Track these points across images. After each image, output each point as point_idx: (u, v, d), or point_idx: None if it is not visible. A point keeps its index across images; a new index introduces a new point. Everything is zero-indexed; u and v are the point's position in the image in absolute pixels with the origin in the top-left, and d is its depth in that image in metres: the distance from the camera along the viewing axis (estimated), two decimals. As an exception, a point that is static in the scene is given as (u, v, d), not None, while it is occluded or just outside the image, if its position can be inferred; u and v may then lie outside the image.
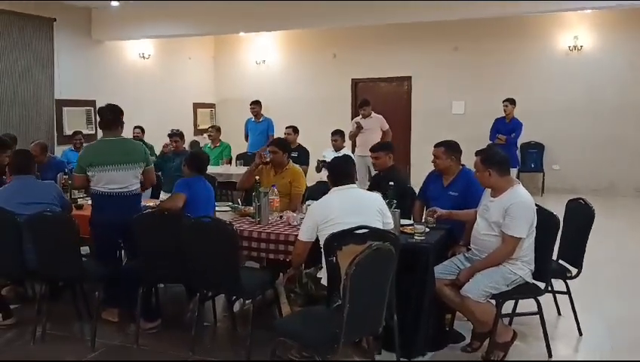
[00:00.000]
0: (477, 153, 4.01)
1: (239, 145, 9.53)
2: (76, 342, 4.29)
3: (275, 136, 8.18)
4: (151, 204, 4.78)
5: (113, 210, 4.35)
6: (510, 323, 4.16)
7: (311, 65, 12.14)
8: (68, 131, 9.42)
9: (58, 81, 9.42)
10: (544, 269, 3.88)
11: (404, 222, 4.24)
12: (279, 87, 12.25)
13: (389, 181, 4.48)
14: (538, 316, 3.88)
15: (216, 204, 4.90)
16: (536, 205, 3.86)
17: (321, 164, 7.25)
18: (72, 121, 9.78)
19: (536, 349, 3.99)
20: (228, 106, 12.81)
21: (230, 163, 8.91)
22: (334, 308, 3.31)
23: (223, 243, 3.86)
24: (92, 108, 10.17)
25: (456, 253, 4.17)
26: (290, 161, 5.40)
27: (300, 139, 8.02)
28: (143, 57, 11.30)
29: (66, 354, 4.06)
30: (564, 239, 4.24)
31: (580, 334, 4.26)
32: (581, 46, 10.29)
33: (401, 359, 3.64)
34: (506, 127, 9.49)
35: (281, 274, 4.55)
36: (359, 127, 8.44)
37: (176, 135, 7.46)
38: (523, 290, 3.83)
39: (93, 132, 10.02)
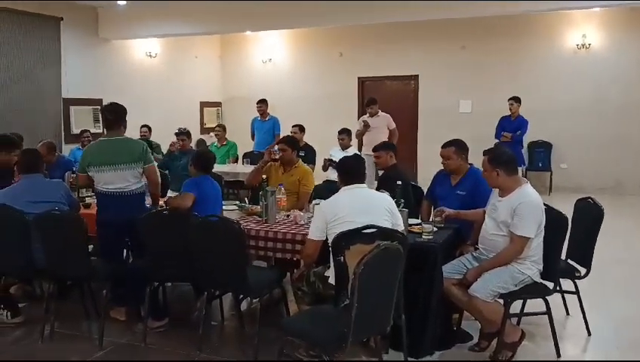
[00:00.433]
0: (485, 153, 4.00)
1: (245, 143, 9.55)
2: (84, 340, 4.30)
3: (281, 135, 8.19)
4: (160, 202, 4.77)
5: (115, 209, 4.36)
6: (518, 322, 4.14)
7: (317, 63, 12.14)
8: (75, 130, 9.45)
9: (65, 80, 9.45)
10: (552, 269, 3.87)
11: (411, 221, 4.23)
12: (286, 86, 12.25)
13: (396, 180, 4.46)
14: (546, 316, 3.86)
15: (223, 202, 4.90)
16: (545, 204, 3.85)
17: (328, 163, 7.25)
18: (80, 120, 9.81)
19: (544, 349, 3.97)
20: (234, 105, 12.82)
21: (236, 161, 8.93)
22: (342, 307, 3.32)
23: (231, 242, 3.86)
24: (99, 107, 10.12)
25: (464, 253, 4.15)
26: (300, 159, 5.40)
27: (307, 138, 8.02)
28: (150, 56, 11.32)
29: (73, 352, 4.07)
30: (572, 239, 4.21)
31: (589, 334, 4.24)
32: (589, 44, 10.24)
33: (409, 358, 3.64)
34: (512, 124, 9.48)
35: (288, 273, 4.55)
36: (366, 126, 8.44)
37: (183, 133, 7.47)
38: (531, 290, 3.82)
39: (101, 130, 10.02)
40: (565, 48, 10.46)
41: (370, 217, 3.56)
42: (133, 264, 4.49)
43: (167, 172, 6.40)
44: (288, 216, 4.59)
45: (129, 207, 4.34)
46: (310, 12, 8.90)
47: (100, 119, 10.02)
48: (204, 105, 12.74)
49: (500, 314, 3.75)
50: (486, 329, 3.92)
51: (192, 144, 7.89)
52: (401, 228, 3.76)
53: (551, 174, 10.44)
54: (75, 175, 5.98)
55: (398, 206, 4.01)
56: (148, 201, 4.72)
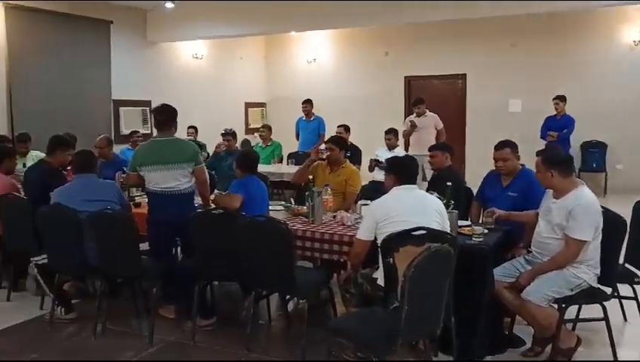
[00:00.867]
0: (538, 153, 3.90)
1: (290, 144, 9.56)
2: (135, 337, 4.36)
3: (326, 135, 8.18)
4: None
5: (166, 209, 4.40)
6: (574, 328, 4.02)
7: (362, 63, 12.07)
8: (125, 131, 9.63)
9: (115, 82, 9.65)
10: (610, 273, 3.74)
11: (461, 223, 4.15)
12: (330, 86, 12.23)
13: (447, 181, 4.39)
14: (603, 322, 3.72)
15: (269, 203, 4.91)
16: (602, 206, 3.72)
17: (374, 163, 7.20)
18: (129, 121, 10.02)
19: (601, 356, 3.84)
20: (279, 105, 12.87)
21: (281, 162, 8.95)
22: (391, 309, 3.29)
23: (278, 243, 3.87)
24: (147, 108, 10.38)
25: (516, 256, 4.05)
26: (347, 160, 5.37)
27: (352, 138, 7.99)
28: (196, 58, 11.47)
29: (125, 348, 4.14)
30: (631, 242, 4.04)
31: (647, 341, 4.09)
32: (647, 40, 9.88)
33: (459, 362, 3.57)
34: (557, 123, 9.22)
35: (335, 274, 4.53)
36: (413, 126, 8.35)
37: (229, 134, 7.55)
38: (588, 295, 3.69)
39: (149, 131, 10.23)
40: (621, 45, 10.11)
41: (422, 218, 3.53)
42: (183, 263, 4.54)
43: (213, 172, 6.47)
44: (335, 217, 4.56)
45: (179, 207, 4.39)
46: (356, 12, 8.84)
47: (151, 120, 10.33)
48: (248, 105, 12.85)
49: (554, 320, 3.64)
50: (539, 335, 3.81)
51: (237, 144, 7.95)
52: (448, 229, 3.70)
53: (606, 175, 10.09)
54: (125, 175, 6.13)
55: (447, 207, 3.95)
56: (197, 201, 4.76)
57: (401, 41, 11.39)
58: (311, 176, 5.07)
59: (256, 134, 10.69)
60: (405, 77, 11.76)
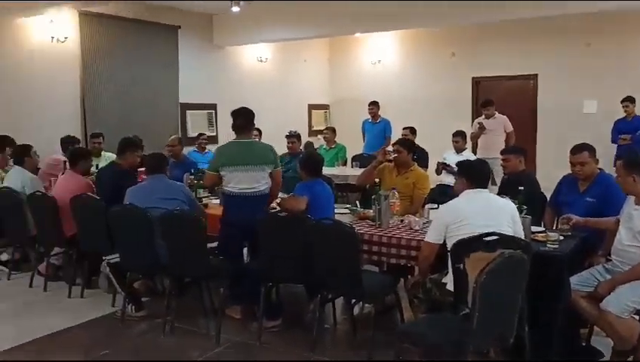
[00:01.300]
0: (619, 157, 3.71)
1: (354, 146, 9.51)
2: (202, 336, 4.42)
3: (392, 138, 8.10)
4: (273, 204, 4.83)
5: (240, 210, 4.44)
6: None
7: (428, 64, 11.87)
8: (192, 133, 9.83)
9: (182, 86, 9.86)
10: (697, 284, 3.51)
11: (535, 228, 4.00)
12: (395, 88, 12.07)
13: (519, 185, 4.25)
14: (689, 335, 3.50)
15: (334, 206, 4.89)
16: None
17: (442, 167, 7.08)
18: (195, 124, 10.20)
19: (686, 372, 3.61)
20: (342, 107, 12.84)
21: (345, 164, 8.92)
22: (461, 315, 3.20)
23: (344, 246, 3.84)
24: (213, 112, 10.58)
25: (594, 264, 3.87)
26: (415, 163, 5.29)
27: (418, 140, 7.84)
28: (261, 61, 11.58)
29: (192, 347, 4.20)
30: None
31: None
32: None
33: (532, 373, 3.44)
34: (629, 125, 8.75)
35: (402, 278, 4.46)
36: (482, 128, 8.15)
37: (293, 136, 7.60)
38: (673, 307, 3.48)
39: (215, 134, 10.42)
40: None
41: (493, 222, 3.44)
42: (250, 263, 4.57)
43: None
44: (402, 220, 4.49)
45: (254, 208, 4.40)
46: (422, 12, 8.70)
47: (215, 123, 10.52)
48: (312, 107, 12.87)
49: (635, 332, 3.46)
50: (619, 347, 3.61)
51: (301, 147, 7.97)
52: (521, 235, 3.59)
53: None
54: (192, 176, 6.26)
55: (520, 212, 3.82)
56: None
57: (469, 41, 11.12)
58: (377, 179, 5.01)
59: (319, 136, 10.70)
60: (473, 78, 11.48)
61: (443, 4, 8.35)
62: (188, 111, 10.14)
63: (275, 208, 4.67)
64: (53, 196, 5.40)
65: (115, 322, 4.67)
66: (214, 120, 10.61)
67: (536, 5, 7.84)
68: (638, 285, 3.45)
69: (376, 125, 9.22)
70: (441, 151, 7.70)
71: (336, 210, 4.85)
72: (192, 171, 6.42)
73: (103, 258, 4.93)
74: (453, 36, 11.20)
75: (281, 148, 7.34)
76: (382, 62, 12.52)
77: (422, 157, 7.45)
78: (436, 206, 4.42)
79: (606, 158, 3.87)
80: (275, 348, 4.17)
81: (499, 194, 4.39)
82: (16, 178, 5.82)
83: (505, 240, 3.27)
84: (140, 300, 4.83)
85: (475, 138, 8.32)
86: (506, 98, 10.48)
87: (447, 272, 3.54)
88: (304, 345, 4.11)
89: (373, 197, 4.60)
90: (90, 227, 5.07)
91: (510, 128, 8.13)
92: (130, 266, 4.69)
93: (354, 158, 8.96)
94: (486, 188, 3.72)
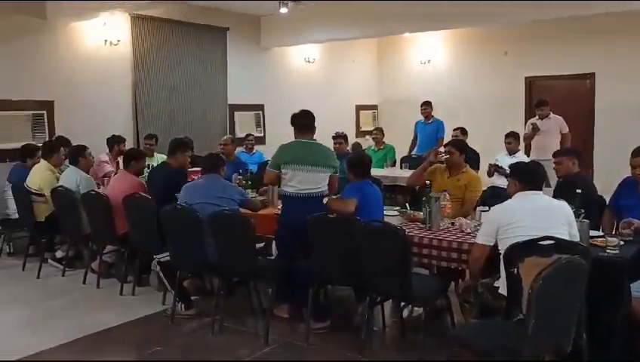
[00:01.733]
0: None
1: (403, 147, 9.41)
2: (250, 336, 4.43)
3: (444, 139, 7.98)
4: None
5: (299, 210, 4.35)
6: None
7: (480, 63, 11.63)
8: (240, 134, 9.91)
9: (230, 87, 9.96)
10: None
11: (593, 233, 3.86)
12: (445, 88, 11.88)
13: (576, 188, 4.10)
14: None
15: (383, 208, 4.83)
16: None
17: (494, 168, 6.92)
18: (243, 125, 10.31)
19: None
20: (391, 108, 12.74)
21: (394, 165, 8.83)
22: (515, 321, 3.10)
23: (394, 249, 3.78)
24: (260, 112, 10.67)
25: (657, 271, 3.69)
26: (467, 164, 5.18)
27: (469, 142, 7.69)
28: (309, 62, 11.60)
29: (240, 347, 4.22)
30: None
31: None
32: None
33: (590, 384, 3.30)
34: None
35: (452, 282, 4.37)
36: (535, 129, 7.92)
37: (340, 137, 7.56)
38: None
39: (262, 134, 10.50)
40: None
41: (548, 225, 3.33)
42: (299, 264, 4.54)
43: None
44: (453, 223, 4.40)
45: (312, 209, 4.33)
46: (472, 11, 8.53)
47: (263, 124, 10.60)
48: (360, 108, 12.82)
49: (703, 343, 3.28)
50: (682, 359, 3.46)
51: (348, 147, 7.92)
52: (576, 238, 3.48)
53: None
54: (241, 177, 6.31)
55: (577, 216, 3.69)
56: None
57: (522, 39, 10.83)
58: (428, 181, 4.93)
59: (367, 137, 10.64)
60: (526, 77, 11.18)
61: (494, 3, 8.16)
62: (236, 112, 10.25)
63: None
64: (106, 195, 5.52)
65: (165, 320, 4.73)
66: (262, 120, 10.69)
67: (593, 3, 7.58)
68: None
69: (428, 126, 9.08)
70: (493, 152, 7.52)
71: (385, 212, 4.79)
72: (241, 171, 6.48)
73: (154, 256, 5.00)
74: (505, 35, 10.93)
75: (328, 149, 7.34)
76: (431, 61, 12.36)
77: (473, 159, 7.31)
78: (487, 208, 4.31)
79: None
80: (322, 349, 4.15)
81: (554, 197, 4.24)
82: (71, 177, 5.97)
83: (562, 245, 3.17)
84: (190, 299, 4.89)
85: (528, 139, 8.10)
86: (561, 98, 10.13)
87: (500, 276, 3.45)
88: (352, 347, 4.08)
89: (423, 199, 4.52)
90: (142, 226, 5.16)
91: (566, 129, 7.88)
92: (179, 265, 4.74)
93: (403, 160, 8.88)
94: (540, 190, 3.60)
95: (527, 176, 3.62)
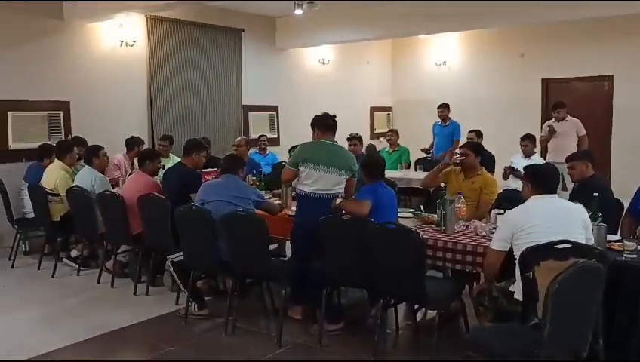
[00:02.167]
0: None
1: (418, 149, 9.36)
2: (263, 337, 4.43)
3: (460, 141, 7.93)
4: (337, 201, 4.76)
5: (314, 211, 4.33)
6: None
7: (496, 65, 11.57)
8: (254, 135, 9.92)
9: (245, 88, 9.98)
10: None
11: (610, 237, 3.81)
12: (461, 90, 11.81)
13: (592, 191, 4.05)
14: None
15: (398, 210, 4.80)
16: None
17: (509, 171, 6.87)
18: (257, 126, 10.32)
19: None
20: (405, 109, 12.70)
21: (409, 167, 8.79)
22: (531, 326, 3.08)
23: (408, 251, 3.76)
24: (275, 113, 10.68)
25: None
26: (483, 167, 5.14)
27: (484, 144, 7.64)
28: (323, 63, 11.59)
29: (255, 347, 4.22)
30: None
31: None
32: None
33: (608, 391, 3.25)
34: None
35: (467, 285, 4.33)
36: (552, 132, 7.85)
37: (355, 138, 7.56)
38: None
39: (276, 135, 10.51)
40: None
41: (563, 229, 3.29)
42: (312, 265, 4.53)
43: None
44: (468, 226, 4.37)
45: (327, 211, 4.34)
46: (488, 12, 8.48)
47: (277, 125, 10.60)
48: (374, 109, 12.79)
49: None
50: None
51: (363, 149, 7.91)
52: (591, 242, 3.44)
53: None
54: (255, 178, 6.32)
55: (594, 220, 3.65)
56: None
57: (538, 41, 10.75)
58: (443, 183, 4.90)
59: (382, 139, 10.61)
60: (543, 79, 11.08)
61: (510, 4, 8.10)
62: (250, 113, 10.27)
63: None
64: (120, 195, 5.55)
65: (178, 320, 4.74)
66: (276, 122, 10.70)
67: (611, 4, 7.49)
68: None
69: (445, 128, 9.02)
70: (509, 155, 7.46)
71: (400, 214, 4.76)
72: (254, 172, 6.49)
73: (167, 257, 5.01)
74: (522, 36, 10.86)
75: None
76: (447, 63, 12.30)
77: (489, 161, 7.25)
78: (503, 211, 4.28)
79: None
80: (336, 351, 4.14)
81: (570, 200, 4.20)
82: (87, 177, 6.01)
83: (579, 249, 3.14)
84: (203, 299, 4.89)
85: (544, 142, 8.02)
86: (578, 100, 10.06)
87: (515, 281, 3.41)
88: (365, 349, 4.05)
89: (438, 201, 4.49)
90: (156, 226, 5.18)
91: (583, 132, 7.79)
92: (193, 265, 4.75)
93: (417, 162, 8.83)
94: (555, 193, 3.55)
95: (541, 180, 3.57)
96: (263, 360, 4.03)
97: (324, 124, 4.67)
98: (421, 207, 5.22)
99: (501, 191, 5.47)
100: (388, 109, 13.14)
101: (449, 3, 8.51)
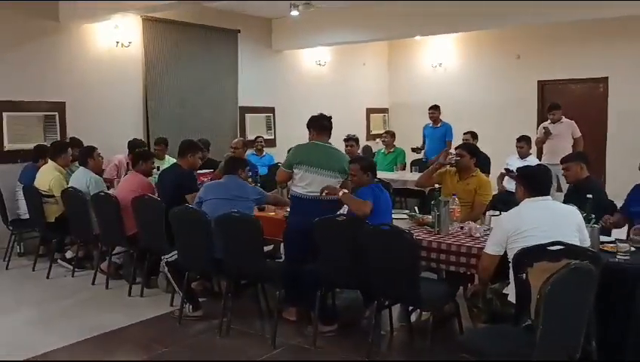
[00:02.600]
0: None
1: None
2: (258, 338, 4.42)
3: (453, 143, 7.94)
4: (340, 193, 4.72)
5: (308, 212, 4.33)
6: None
7: (492, 67, 11.60)
8: (250, 136, 9.90)
9: (241, 89, 9.95)
10: None
11: (604, 239, 3.82)
12: (457, 91, 11.84)
13: (586, 193, 4.06)
14: None
15: (392, 211, 4.80)
16: None
17: (505, 173, 6.87)
18: (254, 127, 10.30)
19: None
20: (401, 111, 12.71)
21: (404, 169, 8.80)
22: (523, 327, 3.08)
23: (403, 252, 3.76)
24: (271, 115, 10.68)
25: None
26: (478, 168, 5.15)
27: (480, 145, 7.66)
28: (319, 64, 11.59)
29: (249, 348, 4.22)
30: None
31: None
32: None
33: (601, 392, 3.26)
34: None
35: (461, 287, 4.34)
36: (547, 133, 7.87)
37: (351, 139, 7.54)
38: None
39: (272, 137, 10.50)
40: None
41: (557, 232, 3.27)
42: (307, 267, 4.53)
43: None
44: (462, 227, 4.37)
45: (322, 213, 4.28)
46: (484, 13, 8.48)
47: (274, 126, 10.59)
48: (370, 111, 12.81)
49: None
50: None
51: (359, 151, 7.91)
52: (587, 244, 3.43)
53: None
54: (250, 178, 6.31)
55: (588, 221, 3.65)
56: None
57: (534, 43, 10.79)
58: (437, 185, 4.90)
59: (378, 140, 10.61)
60: (539, 81, 11.12)
61: (507, 4, 8.12)
62: (247, 115, 10.25)
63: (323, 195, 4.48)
64: (115, 196, 5.54)
65: (172, 321, 4.74)
66: (272, 123, 10.70)
67: (607, 4, 7.52)
68: None
69: (437, 129, 9.03)
70: (505, 156, 7.47)
71: (394, 216, 4.76)
72: (250, 174, 6.47)
73: (162, 257, 5.01)
74: (518, 38, 10.90)
75: (339, 151, 7.33)
76: (443, 65, 12.33)
77: (484, 163, 7.27)
78: (498, 213, 4.28)
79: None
80: (330, 352, 4.14)
81: (565, 202, 4.21)
82: (81, 178, 6.00)
83: (571, 250, 3.13)
84: (197, 300, 4.89)
85: (540, 143, 8.04)
86: (574, 102, 10.11)
87: (509, 283, 3.42)
88: (359, 350, 4.05)
89: (432, 202, 4.49)
90: (150, 227, 5.18)
91: (578, 134, 7.82)
92: (188, 266, 4.75)
93: (413, 163, 8.84)
94: (548, 195, 3.55)
95: (534, 182, 3.57)
96: (258, 361, 4.03)
97: (320, 125, 4.68)
98: (415, 208, 5.23)
99: (496, 192, 5.48)
100: (384, 111, 13.15)
101: (445, 4, 8.52)
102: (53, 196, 6.13)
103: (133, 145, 7.40)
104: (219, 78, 9.63)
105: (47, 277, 5.96)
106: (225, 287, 4.62)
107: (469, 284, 4.23)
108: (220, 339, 4.39)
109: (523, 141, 7.27)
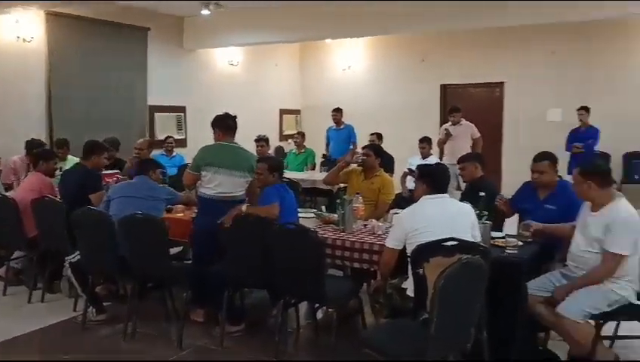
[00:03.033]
0: (577, 164, 3.79)
1: (323, 151, 9.52)
2: (164, 341, 4.37)
3: (358, 143, 8.15)
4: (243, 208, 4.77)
5: (217, 214, 4.32)
6: (611, 345, 3.88)
7: (398, 70, 11.95)
8: (160, 136, 9.71)
9: (150, 88, 9.74)
10: (651, 290, 3.59)
11: (495, 234, 4.06)
12: (365, 93, 12.14)
13: (479, 191, 4.30)
14: (643, 340, 3.60)
15: (300, 210, 4.89)
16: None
17: (407, 172, 7.13)
18: (164, 127, 10.09)
19: (640, 375, 3.70)
20: (313, 112, 12.83)
21: (314, 169, 8.94)
22: (421, 321, 3.22)
23: (308, 251, 3.83)
24: (182, 115, 10.50)
25: (551, 269, 3.93)
26: (382, 168, 5.32)
27: (385, 146, 7.89)
28: (232, 64, 11.53)
29: (155, 351, 4.16)
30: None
31: (690, 361, 3.91)
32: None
33: (491, 378, 3.47)
34: (582, 135, 8.93)
35: (365, 283, 4.48)
36: (448, 135, 8.24)
37: (262, 140, 7.59)
38: (627, 311, 3.56)
39: (183, 137, 10.34)
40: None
41: (452, 229, 3.45)
42: (214, 268, 4.54)
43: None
44: (366, 225, 4.52)
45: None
46: (392, 19, 8.75)
47: (185, 126, 10.43)
48: (283, 112, 12.88)
49: (590, 336, 3.52)
50: (575, 352, 3.67)
51: (271, 151, 7.96)
52: (478, 240, 3.63)
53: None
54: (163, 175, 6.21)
55: (480, 218, 3.87)
56: None
57: (438, 48, 11.24)
58: (343, 184, 5.03)
59: (290, 141, 10.69)
60: (441, 85, 11.61)
61: (413, 11, 8.42)
62: (156, 114, 10.03)
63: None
64: (12, 198, 5.30)
65: (75, 326, 4.60)
66: (183, 123, 10.53)
67: (504, 14, 7.97)
68: (593, 290, 3.52)
69: (340, 131, 9.21)
70: (408, 156, 7.75)
71: (301, 215, 4.86)
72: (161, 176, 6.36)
73: (64, 258, 4.85)
74: (423, 43, 11.29)
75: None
76: (352, 68, 12.57)
77: (388, 163, 7.50)
78: (399, 211, 4.45)
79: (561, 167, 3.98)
80: (237, 352, 4.16)
81: (461, 200, 4.43)
82: (-24, 180, 5.71)
83: (464, 246, 3.31)
84: (102, 303, 4.77)
85: (441, 144, 8.40)
86: (474, 105, 10.65)
87: (408, 277, 3.57)
88: (267, 349, 4.09)
89: (337, 201, 4.61)
90: (52, 228, 5.00)
91: (477, 135, 8.23)
92: (91, 268, 4.63)
93: (323, 163, 8.98)
94: (445, 192, 3.74)
95: (431, 179, 3.74)
96: (164, 362, 4.00)
97: (226, 124, 4.67)
98: (323, 207, 5.34)
99: (399, 192, 5.68)
100: (296, 112, 13.25)
101: (355, 9, 8.71)
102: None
103: (31, 145, 7.07)
104: (127, 76, 9.38)
105: (-63, 286, 5.61)
106: (130, 290, 4.54)
107: (372, 280, 4.38)
108: (125, 343, 4.31)
109: (425, 142, 7.58)
